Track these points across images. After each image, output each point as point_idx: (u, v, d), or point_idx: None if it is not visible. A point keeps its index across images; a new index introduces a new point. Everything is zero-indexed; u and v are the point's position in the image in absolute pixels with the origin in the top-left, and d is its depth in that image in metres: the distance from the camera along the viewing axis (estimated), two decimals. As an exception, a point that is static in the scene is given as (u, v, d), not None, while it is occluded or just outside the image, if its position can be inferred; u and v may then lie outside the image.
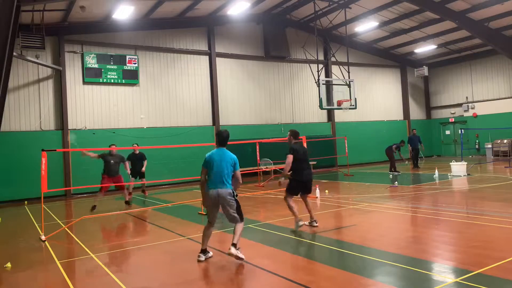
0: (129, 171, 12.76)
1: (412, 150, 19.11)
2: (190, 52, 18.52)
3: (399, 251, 5.65)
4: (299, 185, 7.35)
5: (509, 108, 22.20)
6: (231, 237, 7.19)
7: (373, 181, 14.56)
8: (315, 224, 7.46)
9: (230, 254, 5.51)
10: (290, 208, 7.28)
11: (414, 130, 19.96)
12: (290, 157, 7.19)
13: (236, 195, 5.82)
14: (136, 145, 13.83)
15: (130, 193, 12.86)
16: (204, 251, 5.80)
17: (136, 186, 14.29)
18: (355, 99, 17.62)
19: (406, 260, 5.18)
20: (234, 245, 5.57)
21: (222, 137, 5.84)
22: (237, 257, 5.49)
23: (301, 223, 7.17)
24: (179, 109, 18.17)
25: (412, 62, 25.71)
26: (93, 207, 11.08)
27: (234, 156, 5.81)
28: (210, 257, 5.85)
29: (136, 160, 13.51)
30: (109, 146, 11.60)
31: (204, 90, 18.79)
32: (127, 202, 11.67)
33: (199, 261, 5.68)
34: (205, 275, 5.16)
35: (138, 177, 13.59)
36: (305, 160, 7.42)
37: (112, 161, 11.18)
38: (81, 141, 15.59)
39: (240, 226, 5.74)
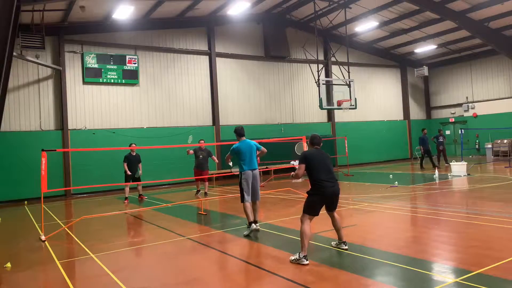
0: (128, 172, 12.31)
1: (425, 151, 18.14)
2: (190, 52, 18.52)
3: (399, 251, 5.64)
4: (318, 201, 5.61)
5: (509, 108, 22.20)
6: (231, 237, 7.21)
7: (373, 181, 14.56)
8: (344, 247, 5.79)
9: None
10: (302, 234, 5.43)
11: (424, 130, 18.77)
12: (300, 167, 5.73)
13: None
14: (134, 145, 12.77)
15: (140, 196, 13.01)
16: (251, 223, 7.05)
17: (132, 187, 13.39)
18: (355, 99, 17.62)
19: (406, 260, 5.18)
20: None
21: (243, 131, 7.52)
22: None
23: (305, 261, 5.26)
24: (179, 109, 18.16)
25: (412, 62, 25.71)
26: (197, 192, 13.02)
27: (254, 142, 7.63)
28: (256, 229, 7.04)
29: (135, 161, 12.58)
30: (198, 142, 13.05)
31: (204, 90, 18.80)
32: (205, 193, 13.11)
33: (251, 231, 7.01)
34: (205, 275, 5.15)
35: (131, 180, 12.55)
36: (325, 169, 5.73)
37: (200, 156, 12.76)
38: (81, 141, 15.61)
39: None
